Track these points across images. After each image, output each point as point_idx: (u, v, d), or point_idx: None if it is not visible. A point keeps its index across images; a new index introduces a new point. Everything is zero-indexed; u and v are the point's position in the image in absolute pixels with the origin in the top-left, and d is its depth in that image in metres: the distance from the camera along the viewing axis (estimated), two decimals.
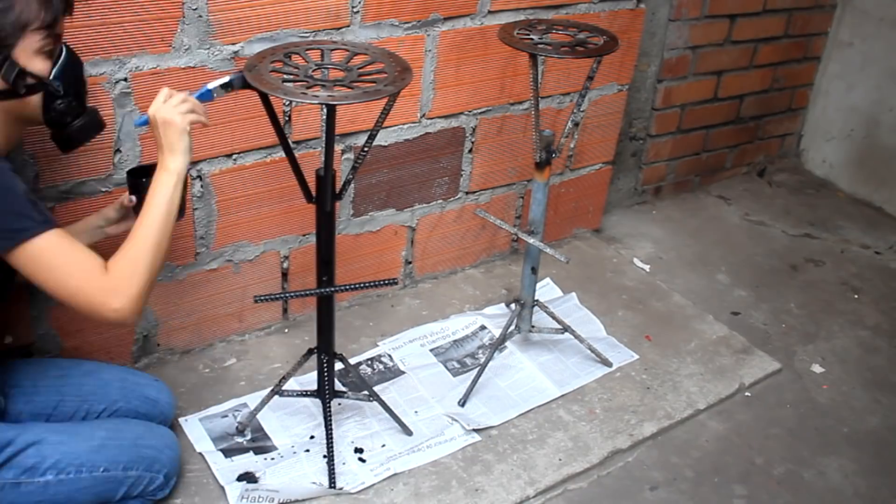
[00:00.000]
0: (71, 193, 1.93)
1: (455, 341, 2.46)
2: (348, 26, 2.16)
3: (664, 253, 3.07)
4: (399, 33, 2.25)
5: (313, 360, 2.03)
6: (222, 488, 1.89)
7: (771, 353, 2.56)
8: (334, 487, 1.92)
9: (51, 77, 1.51)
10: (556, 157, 2.15)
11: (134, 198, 1.75)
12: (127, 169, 1.81)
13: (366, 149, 1.83)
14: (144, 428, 1.81)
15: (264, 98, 1.68)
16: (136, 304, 1.53)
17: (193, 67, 1.97)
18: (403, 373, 2.32)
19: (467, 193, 2.65)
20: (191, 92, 1.66)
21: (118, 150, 1.95)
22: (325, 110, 1.75)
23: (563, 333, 2.41)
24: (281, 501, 1.87)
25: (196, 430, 2.05)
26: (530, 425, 2.18)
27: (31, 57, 1.47)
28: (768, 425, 2.30)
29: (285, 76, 1.68)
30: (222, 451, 2.00)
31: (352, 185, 2.28)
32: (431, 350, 2.42)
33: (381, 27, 2.21)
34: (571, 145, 2.83)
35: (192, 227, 2.15)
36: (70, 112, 1.58)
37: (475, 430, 2.13)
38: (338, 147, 2.27)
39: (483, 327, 2.52)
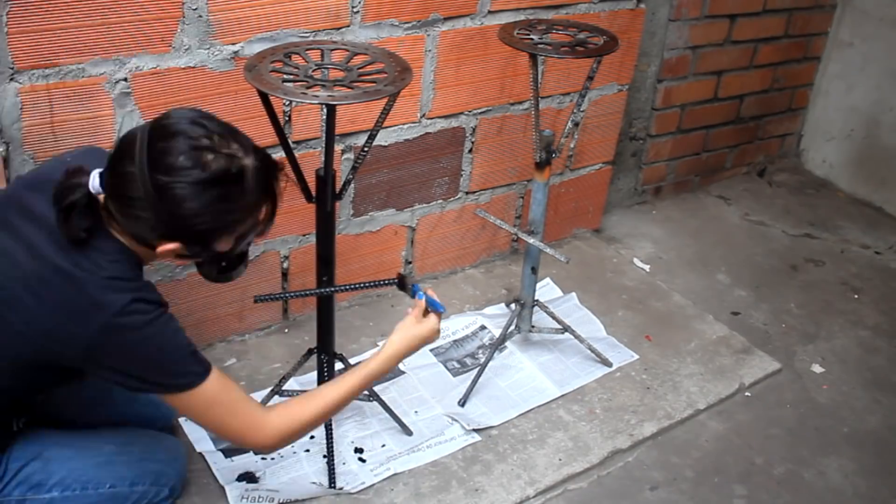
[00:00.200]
0: None
1: (455, 341, 2.46)
2: (348, 26, 2.16)
3: (664, 253, 3.07)
4: (399, 33, 2.25)
5: (313, 360, 2.03)
6: (222, 488, 1.89)
7: (771, 353, 2.56)
8: (334, 487, 1.92)
9: (229, 254, 1.54)
10: (556, 157, 2.15)
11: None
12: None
13: (366, 149, 1.83)
14: (152, 440, 1.79)
15: (264, 98, 1.68)
16: (281, 447, 1.64)
17: (193, 67, 1.97)
18: (403, 373, 2.32)
19: (467, 193, 2.65)
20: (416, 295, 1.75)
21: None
22: (325, 110, 1.75)
23: (563, 333, 2.41)
24: (281, 501, 1.87)
25: (196, 429, 2.05)
26: (530, 425, 2.18)
27: (226, 242, 1.49)
28: (768, 425, 2.30)
29: (285, 76, 1.68)
30: (222, 451, 2.00)
31: (352, 185, 2.28)
32: (431, 350, 2.42)
33: (381, 27, 2.21)
34: (571, 145, 2.83)
35: None
36: (218, 280, 1.63)
37: (475, 430, 2.13)
38: (338, 147, 2.27)
39: (483, 327, 2.52)
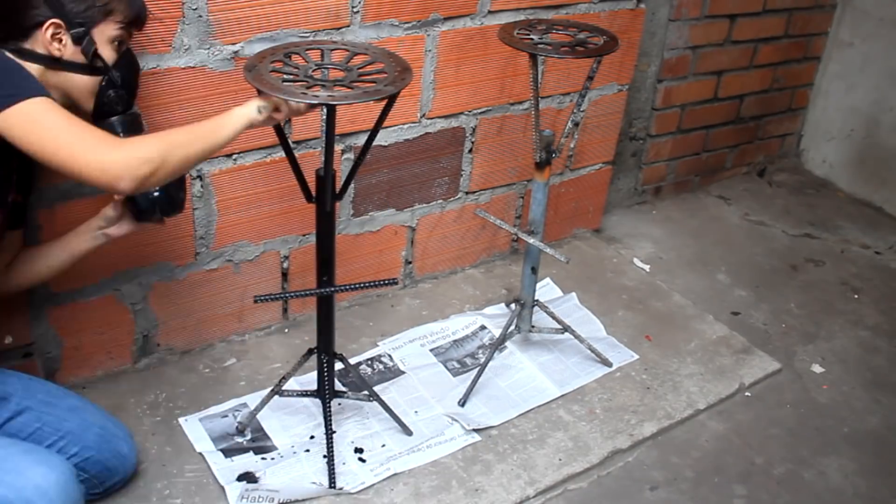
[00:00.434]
0: (71, 193, 1.93)
1: (455, 341, 2.46)
2: (348, 26, 2.16)
3: (664, 253, 3.07)
4: (399, 33, 2.25)
5: (313, 360, 2.03)
6: (222, 488, 1.89)
7: (771, 353, 2.56)
8: (334, 487, 1.92)
9: (115, 64, 1.64)
10: (556, 157, 2.15)
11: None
12: None
13: (366, 149, 1.83)
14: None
15: None
16: (140, 180, 1.43)
17: (193, 67, 1.97)
18: (403, 373, 2.32)
19: (467, 193, 2.65)
20: None
21: None
22: (325, 110, 1.75)
23: (563, 333, 2.41)
24: (281, 501, 1.87)
25: (196, 430, 2.05)
26: (530, 425, 2.18)
27: (103, 43, 1.61)
28: (768, 425, 2.30)
29: (285, 76, 1.68)
30: (222, 451, 2.00)
31: (352, 185, 2.28)
32: (431, 350, 2.42)
33: (381, 27, 2.21)
34: (571, 145, 2.83)
35: (191, 227, 2.15)
36: (119, 103, 1.67)
37: (475, 430, 2.13)
38: (338, 147, 2.27)
39: (483, 327, 2.52)
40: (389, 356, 2.37)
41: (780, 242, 3.23)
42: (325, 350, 2.00)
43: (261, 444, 2.03)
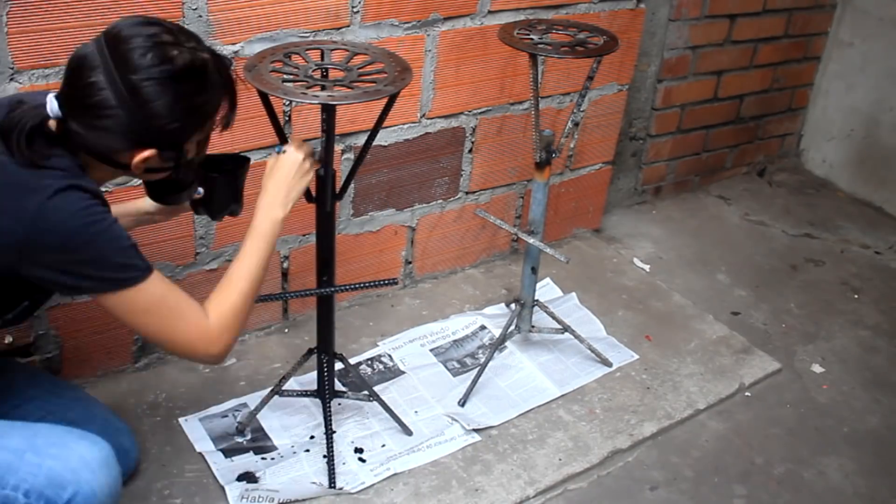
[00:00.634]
0: None
1: (455, 341, 2.46)
2: (348, 26, 2.16)
3: (664, 253, 3.07)
4: (399, 33, 2.25)
5: (313, 360, 2.03)
6: (222, 488, 1.89)
7: (771, 353, 2.56)
8: (334, 487, 1.92)
9: (195, 159, 1.52)
10: (556, 157, 2.15)
11: (202, 190, 1.68)
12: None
13: (366, 149, 1.83)
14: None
15: (264, 98, 1.68)
16: (231, 349, 1.57)
17: None
18: (403, 373, 2.32)
19: (467, 193, 2.65)
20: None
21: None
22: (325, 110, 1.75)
23: (563, 333, 2.41)
24: (281, 501, 1.87)
25: (196, 430, 2.05)
26: (530, 425, 2.18)
27: (193, 146, 1.48)
28: (768, 425, 2.30)
29: (285, 76, 1.68)
30: (222, 451, 2.00)
31: (352, 185, 2.28)
32: (431, 350, 2.42)
33: (381, 27, 2.21)
34: (571, 145, 2.84)
35: (192, 227, 2.15)
36: (174, 191, 1.60)
37: (475, 430, 2.13)
38: (338, 147, 2.27)
39: (483, 327, 2.52)
40: (389, 356, 2.37)
41: (780, 242, 3.23)
42: (325, 350, 2.00)
43: (261, 444, 2.03)
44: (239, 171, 1.74)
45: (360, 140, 2.31)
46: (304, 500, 1.89)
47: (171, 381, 2.20)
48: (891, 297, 2.93)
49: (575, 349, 2.43)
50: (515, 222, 2.84)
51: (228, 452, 2.00)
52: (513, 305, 2.39)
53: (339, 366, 2.08)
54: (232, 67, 1.50)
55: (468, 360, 2.40)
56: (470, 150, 2.58)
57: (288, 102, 2.13)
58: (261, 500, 1.86)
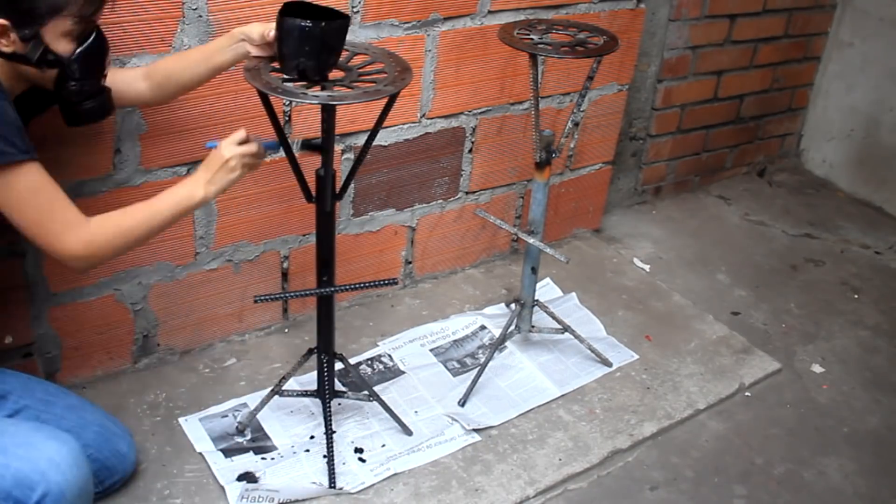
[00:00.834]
0: (71, 193, 1.92)
1: (455, 341, 2.46)
2: None
3: (664, 253, 3.07)
4: (399, 33, 2.25)
5: (313, 360, 2.03)
6: (222, 488, 1.89)
7: (771, 353, 2.56)
8: (334, 487, 1.92)
9: (71, 58, 1.52)
10: (556, 157, 2.15)
11: (275, 33, 1.65)
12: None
13: (366, 149, 1.83)
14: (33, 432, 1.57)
15: (264, 98, 1.68)
16: (94, 264, 1.57)
17: None
18: (403, 373, 2.32)
19: (467, 193, 2.65)
20: (260, 139, 1.71)
21: (118, 151, 1.95)
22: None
23: (563, 333, 2.41)
24: (281, 501, 1.87)
25: (196, 430, 2.05)
26: (530, 425, 2.18)
27: (57, 37, 1.49)
28: (768, 425, 2.30)
29: (285, 76, 1.68)
30: (222, 451, 2.00)
31: (352, 185, 2.28)
32: (431, 350, 2.42)
33: (381, 27, 2.21)
34: (571, 145, 2.84)
35: (192, 227, 2.15)
36: (81, 94, 1.58)
37: (475, 430, 2.13)
38: (338, 147, 2.27)
39: (483, 327, 2.52)
40: (389, 356, 2.37)
41: (780, 242, 3.23)
42: (325, 350, 2.00)
43: (261, 444, 2.03)
44: (326, 27, 1.60)
45: (360, 140, 2.31)
46: (304, 500, 1.89)
47: (171, 381, 2.20)
48: (891, 297, 2.93)
49: (575, 349, 2.43)
50: (515, 222, 2.84)
51: (228, 452, 2.00)
52: (513, 305, 2.39)
53: (339, 366, 2.08)
54: None
55: (468, 360, 2.40)
56: (470, 150, 2.58)
57: (288, 102, 2.13)
58: (261, 500, 1.86)
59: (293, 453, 2.02)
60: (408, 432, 2.10)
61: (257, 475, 1.94)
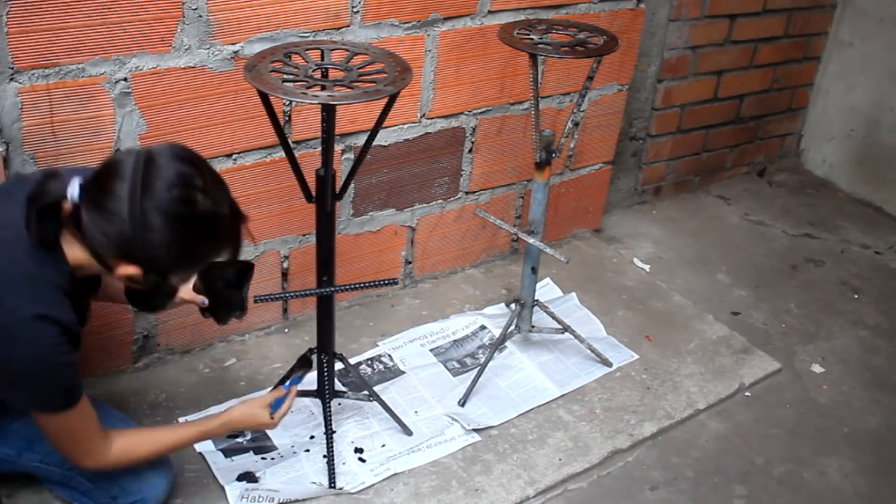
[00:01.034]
0: None
1: (455, 341, 2.46)
2: (348, 26, 2.16)
3: (664, 253, 3.06)
4: (399, 33, 2.25)
5: (313, 360, 2.03)
6: (222, 488, 1.89)
7: (771, 353, 2.56)
8: (334, 487, 1.92)
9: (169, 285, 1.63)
10: (556, 157, 2.15)
11: (207, 301, 1.85)
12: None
13: (366, 149, 1.83)
14: None
15: (264, 98, 1.68)
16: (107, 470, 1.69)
17: (193, 67, 1.97)
18: (403, 373, 2.32)
19: (467, 193, 2.65)
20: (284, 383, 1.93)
21: (118, 151, 1.95)
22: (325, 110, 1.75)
23: (563, 333, 2.41)
24: (281, 501, 1.87)
25: None
26: (530, 425, 2.18)
27: (180, 280, 1.62)
28: (768, 425, 2.30)
29: (285, 76, 1.68)
30: (222, 451, 2.00)
31: (352, 185, 2.28)
32: (431, 350, 2.42)
33: (381, 27, 2.21)
34: (571, 145, 2.83)
35: None
36: (162, 304, 1.75)
37: (475, 430, 2.13)
38: (338, 147, 2.27)
39: (483, 327, 2.52)
40: (389, 356, 2.37)
41: (780, 242, 3.23)
42: (325, 350, 2.00)
43: (261, 444, 2.03)
44: (244, 280, 1.83)
45: (360, 140, 2.31)
46: (304, 500, 1.89)
47: (171, 381, 2.20)
48: (891, 297, 2.93)
49: (575, 349, 2.43)
50: (515, 222, 2.84)
51: (228, 452, 2.00)
52: (513, 305, 2.39)
53: (339, 366, 2.08)
54: (245, 222, 1.56)
55: (468, 360, 2.40)
56: (470, 150, 2.58)
57: (288, 102, 2.13)
58: (261, 500, 1.86)
59: (293, 453, 2.02)
60: (408, 432, 2.10)
61: (257, 475, 1.94)
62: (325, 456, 1.98)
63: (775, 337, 2.67)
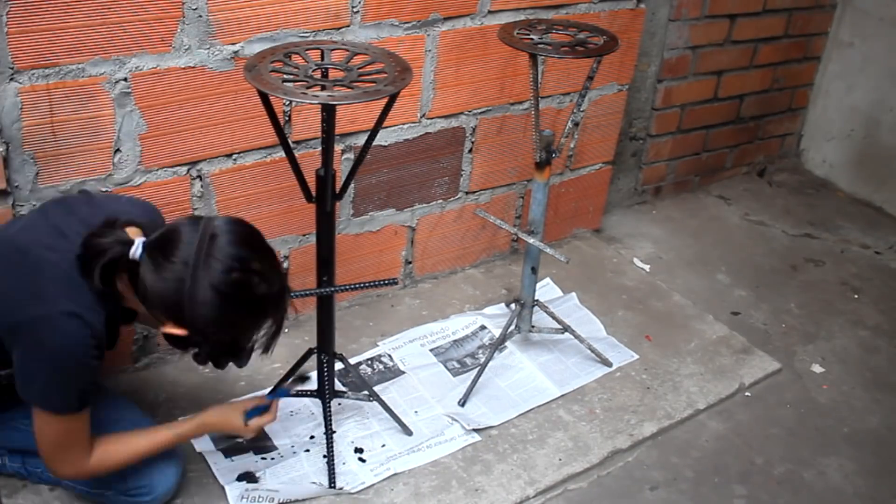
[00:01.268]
0: (71, 193, 1.93)
1: (455, 341, 2.46)
2: (348, 26, 2.15)
3: (664, 253, 3.06)
4: (399, 33, 2.25)
5: (313, 360, 2.03)
6: (222, 488, 1.89)
7: (771, 353, 2.55)
8: (334, 487, 1.92)
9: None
10: (556, 157, 2.15)
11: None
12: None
13: (366, 149, 1.83)
14: None
15: (264, 98, 1.68)
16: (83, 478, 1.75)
17: (193, 67, 1.97)
18: (403, 373, 2.32)
19: (467, 193, 2.65)
20: (272, 393, 1.92)
21: (118, 150, 1.95)
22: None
23: (563, 333, 2.41)
24: (281, 501, 1.87)
25: None
26: (530, 425, 2.18)
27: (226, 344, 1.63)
28: (768, 425, 2.30)
29: (285, 76, 1.68)
30: (222, 451, 2.00)
31: (352, 185, 2.28)
32: (431, 350, 2.42)
33: (381, 27, 2.21)
34: (571, 145, 2.83)
35: None
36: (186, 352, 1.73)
37: (475, 430, 2.13)
38: (338, 147, 2.27)
39: (483, 327, 2.52)
40: (389, 356, 2.37)
41: (780, 242, 3.23)
42: (325, 350, 2.00)
43: (261, 444, 2.03)
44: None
45: (360, 140, 2.31)
46: (304, 500, 1.89)
47: (171, 381, 2.20)
48: (891, 297, 2.93)
49: (575, 349, 2.43)
50: (515, 222, 2.84)
51: (228, 452, 2.00)
52: (513, 305, 2.39)
53: (339, 366, 2.08)
54: (290, 298, 1.63)
55: (468, 360, 2.40)
56: (470, 150, 2.58)
57: (288, 102, 2.13)
58: (261, 500, 1.86)
59: (293, 453, 2.02)
60: (408, 432, 2.10)
61: (257, 475, 1.94)
62: (325, 456, 1.98)
63: (775, 337, 2.67)
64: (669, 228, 3.23)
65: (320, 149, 1.78)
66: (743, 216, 3.39)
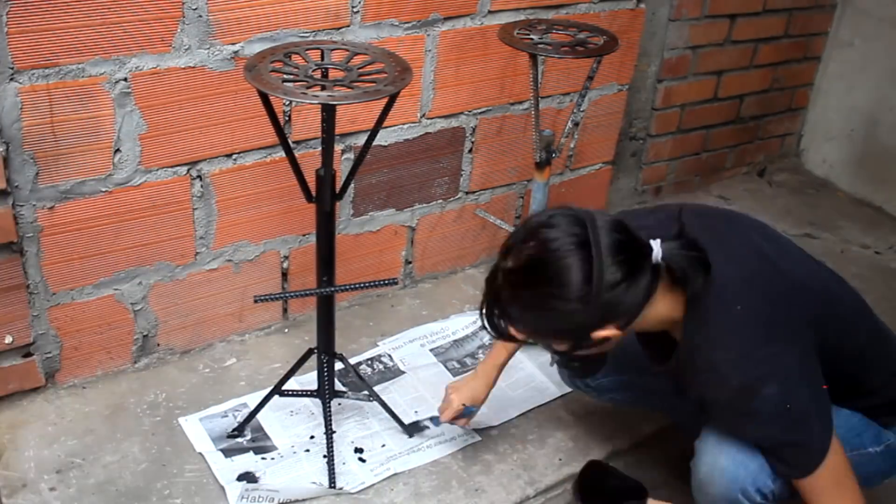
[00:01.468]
0: (71, 193, 1.93)
1: (455, 341, 2.46)
2: (348, 26, 2.16)
3: None
4: (399, 33, 2.25)
5: (313, 360, 2.03)
6: (222, 488, 1.89)
7: None
8: (334, 487, 1.92)
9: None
10: (556, 157, 2.16)
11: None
12: None
13: (366, 149, 1.83)
14: None
15: (264, 98, 1.68)
16: None
17: (193, 67, 1.97)
18: (403, 373, 2.32)
19: (467, 193, 2.65)
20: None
21: (118, 150, 1.95)
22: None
23: None
24: (281, 501, 1.87)
25: (196, 430, 2.05)
26: (530, 425, 2.18)
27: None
28: None
29: (285, 76, 1.68)
30: (222, 451, 2.00)
31: (352, 185, 2.28)
32: (431, 350, 2.42)
33: (381, 27, 2.21)
34: (571, 145, 2.83)
35: (192, 227, 2.15)
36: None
37: (475, 430, 2.13)
38: (338, 147, 2.27)
39: (483, 327, 2.52)
40: (389, 356, 2.37)
41: None
42: (325, 350, 2.00)
43: (261, 444, 2.03)
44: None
45: (360, 140, 2.31)
46: (304, 500, 1.89)
47: (171, 381, 2.20)
48: (891, 297, 2.93)
49: None
50: (515, 222, 2.84)
51: (228, 452, 2.00)
52: None
53: (339, 366, 2.08)
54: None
55: (468, 360, 2.40)
56: (470, 150, 2.58)
57: (288, 102, 2.13)
58: (261, 500, 1.86)
59: (293, 453, 2.02)
60: (408, 432, 2.10)
61: (257, 475, 1.94)
62: (325, 456, 1.98)
63: None
64: None
65: (320, 149, 1.78)
66: None
